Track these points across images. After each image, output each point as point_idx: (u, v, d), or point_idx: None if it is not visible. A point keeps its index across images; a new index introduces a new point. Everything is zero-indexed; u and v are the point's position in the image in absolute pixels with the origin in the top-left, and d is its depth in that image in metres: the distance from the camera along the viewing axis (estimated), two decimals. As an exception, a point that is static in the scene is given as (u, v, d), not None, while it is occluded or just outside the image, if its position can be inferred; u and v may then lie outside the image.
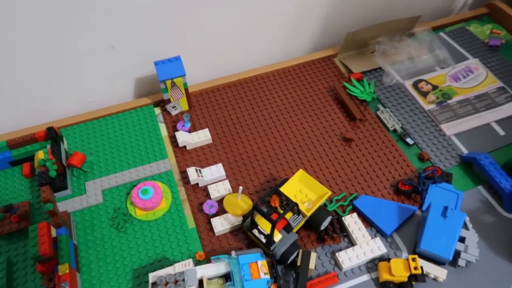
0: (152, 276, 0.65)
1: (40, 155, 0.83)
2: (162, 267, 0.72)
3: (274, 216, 0.66)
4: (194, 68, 0.97)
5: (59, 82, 0.92)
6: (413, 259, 0.68)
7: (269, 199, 0.69)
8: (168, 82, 0.89)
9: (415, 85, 1.01)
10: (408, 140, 0.90)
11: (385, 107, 0.97)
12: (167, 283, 0.63)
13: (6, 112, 0.92)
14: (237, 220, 0.77)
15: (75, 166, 0.85)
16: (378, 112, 0.95)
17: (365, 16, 1.13)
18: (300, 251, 0.71)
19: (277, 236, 0.70)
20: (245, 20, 0.99)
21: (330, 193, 0.74)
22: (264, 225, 0.70)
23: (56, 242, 0.71)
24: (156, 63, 0.88)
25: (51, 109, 0.95)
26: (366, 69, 1.05)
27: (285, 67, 1.07)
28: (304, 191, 0.76)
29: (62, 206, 0.81)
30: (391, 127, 0.92)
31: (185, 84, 0.91)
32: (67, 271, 0.68)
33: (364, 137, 0.92)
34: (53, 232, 0.72)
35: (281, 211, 0.68)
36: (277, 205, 0.67)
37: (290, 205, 0.68)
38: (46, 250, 0.67)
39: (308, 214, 0.72)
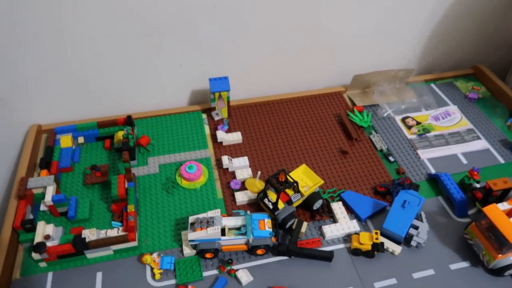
0: (191, 218, 0.94)
1: (119, 134, 1.17)
2: (196, 220, 1.02)
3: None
4: (236, 88, 1.30)
5: (139, 86, 1.27)
6: (376, 233, 0.94)
7: (277, 176, 0.98)
8: (217, 94, 1.22)
9: (403, 119, 1.29)
10: (390, 158, 1.17)
11: (377, 133, 1.25)
12: (201, 222, 0.92)
13: (100, 104, 1.27)
14: (254, 196, 1.06)
15: (141, 145, 1.17)
16: (371, 136, 1.24)
17: (371, 64, 1.44)
18: (296, 219, 0.98)
19: (281, 205, 0.98)
20: (277, 56, 1.32)
21: (322, 182, 1.02)
22: (272, 196, 0.99)
23: (127, 191, 1.02)
24: (210, 79, 1.21)
25: (130, 104, 1.29)
26: (367, 104, 1.34)
27: (304, 95, 1.38)
28: (304, 179, 1.05)
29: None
30: (379, 148, 1.20)
31: (228, 98, 1.24)
32: (133, 210, 0.98)
33: (357, 152, 1.20)
34: (126, 184, 1.03)
35: (286, 185, 0.96)
36: (283, 179, 0.96)
37: (291, 182, 0.97)
38: (122, 192, 0.98)
39: (306, 194, 1.00)
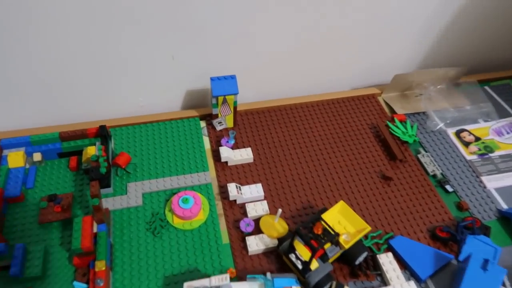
0: (187, 286, 0.65)
1: (90, 150, 0.86)
2: (194, 278, 0.73)
3: (314, 244, 0.67)
4: (243, 88, 1.00)
5: (116, 84, 0.96)
6: (449, 308, 0.67)
7: (311, 226, 0.69)
8: (220, 98, 0.92)
9: (458, 134, 1.02)
10: (448, 187, 0.90)
11: (426, 151, 0.97)
12: (202, 295, 0.63)
13: (64, 108, 0.96)
14: (272, 242, 0.78)
15: (120, 166, 0.88)
16: (419, 155, 0.96)
17: (412, 61, 1.15)
18: (334, 282, 0.71)
19: (314, 265, 0.70)
20: (296, 50, 1.02)
21: (369, 228, 0.74)
22: (302, 251, 0.70)
23: (95, 238, 0.73)
24: (212, 79, 0.91)
25: (103, 108, 0.99)
26: (410, 112, 1.06)
27: (329, 99, 1.09)
28: (342, 223, 0.77)
29: (103, 204, 0.83)
30: (431, 172, 0.93)
31: (235, 103, 0.94)
32: (104, 268, 0.69)
33: (403, 177, 0.92)
34: (94, 228, 0.74)
35: (323, 240, 0.68)
36: (319, 232, 0.68)
37: (332, 235, 0.68)
38: (88, 244, 0.69)
39: (346, 246, 0.72)
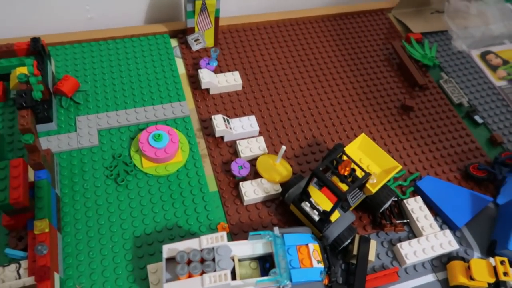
0: (169, 250, 0.47)
1: (20, 71, 0.63)
2: (174, 238, 0.56)
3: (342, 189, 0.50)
4: (225, -2, 0.77)
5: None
6: (502, 262, 0.53)
7: (335, 164, 0.52)
8: (198, 3, 0.69)
9: (483, 56, 0.86)
10: (477, 118, 0.75)
11: (449, 76, 0.81)
12: (190, 262, 0.46)
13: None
14: (274, 188, 0.60)
15: (64, 94, 0.65)
16: (441, 81, 0.80)
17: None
18: (357, 236, 0.55)
19: (335, 216, 0.53)
20: None
21: (400, 167, 0.58)
22: (319, 198, 0.54)
23: (33, 189, 0.52)
24: (186, -25, 0.67)
25: (37, 20, 0.74)
26: (427, 31, 0.88)
27: (330, 14, 0.89)
28: (365, 161, 0.60)
29: (44, 144, 0.61)
30: (457, 100, 0.77)
31: (217, 11, 0.72)
32: (47, 230, 0.49)
33: (425, 107, 0.76)
34: (31, 175, 0.53)
35: (351, 183, 0.51)
36: (347, 173, 0.51)
37: (363, 176, 0.51)
38: (19, 197, 0.48)
39: (374, 190, 0.55)
